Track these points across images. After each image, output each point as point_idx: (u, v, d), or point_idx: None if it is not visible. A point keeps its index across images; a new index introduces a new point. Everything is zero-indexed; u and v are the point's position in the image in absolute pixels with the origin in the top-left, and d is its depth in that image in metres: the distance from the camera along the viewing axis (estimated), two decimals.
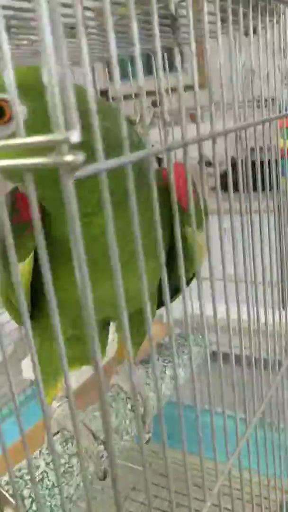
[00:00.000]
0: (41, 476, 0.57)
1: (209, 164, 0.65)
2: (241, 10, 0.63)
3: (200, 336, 0.93)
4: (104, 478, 0.63)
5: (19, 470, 0.57)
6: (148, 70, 0.77)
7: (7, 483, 0.55)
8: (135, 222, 0.47)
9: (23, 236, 0.55)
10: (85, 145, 0.31)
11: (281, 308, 0.90)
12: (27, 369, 1.40)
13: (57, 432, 0.65)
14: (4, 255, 0.56)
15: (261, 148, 0.69)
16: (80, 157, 0.31)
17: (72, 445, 0.62)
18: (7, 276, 0.61)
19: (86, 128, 0.31)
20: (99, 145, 0.34)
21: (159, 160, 1.38)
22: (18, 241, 0.56)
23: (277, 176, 0.79)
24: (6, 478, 0.57)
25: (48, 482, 0.56)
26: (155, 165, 0.88)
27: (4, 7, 0.55)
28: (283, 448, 0.87)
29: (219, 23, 0.54)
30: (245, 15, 0.82)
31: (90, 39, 0.77)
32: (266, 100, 0.72)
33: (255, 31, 0.74)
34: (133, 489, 1.36)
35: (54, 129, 0.31)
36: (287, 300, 0.96)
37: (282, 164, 0.83)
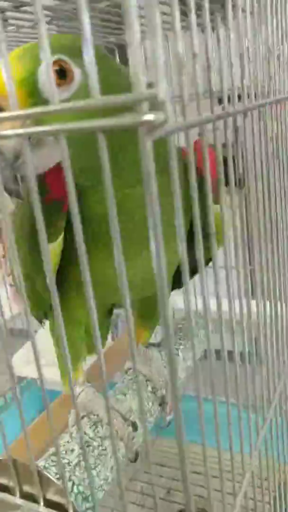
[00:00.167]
0: (77, 460, 0.56)
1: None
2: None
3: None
4: (135, 459, 0.62)
5: (54, 454, 0.56)
6: None
7: (45, 467, 0.54)
8: (176, 192, 0.46)
9: (54, 216, 0.54)
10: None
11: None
12: (19, 364, 1.37)
13: (83, 417, 0.65)
14: (33, 236, 0.55)
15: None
16: (161, 116, 0.31)
17: (102, 428, 0.61)
18: (33, 258, 0.59)
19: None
20: (168, 106, 0.34)
21: None
22: (49, 221, 0.55)
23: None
24: (42, 462, 0.55)
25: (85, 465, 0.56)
26: None
27: None
28: None
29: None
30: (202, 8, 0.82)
31: None
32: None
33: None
34: (131, 480, 1.36)
35: (135, 88, 0.30)
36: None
37: None
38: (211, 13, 0.45)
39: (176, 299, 0.98)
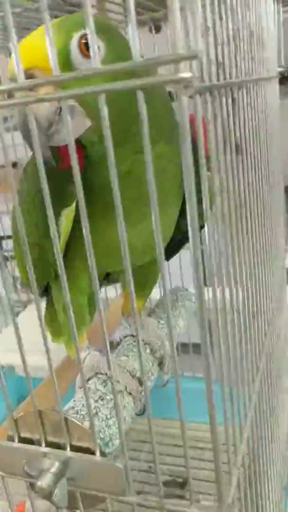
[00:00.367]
0: (95, 411, 0.60)
1: None
2: None
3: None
4: (143, 412, 0.67)
5: (73, 407, 0.60)
6: None
7: None
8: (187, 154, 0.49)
9: (66, 183, 0.58)
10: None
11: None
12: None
13: (90, 378, 0.68)
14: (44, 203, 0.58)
15: None
16: (196, 73, 0.36)
17: (112, 384, 0.65)
18: (44, 225, 0.62)
19: None
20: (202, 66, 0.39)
21: None
22: (62, 188, 0.58)
23: None
24: None
25: (102, 415, 0.60)
26: None
27: None
28: None
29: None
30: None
31: None
32: None
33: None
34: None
35: (175, 48, 0.35)
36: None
37: None
38: None
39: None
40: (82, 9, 0.38)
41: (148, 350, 0.76)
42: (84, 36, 0.50)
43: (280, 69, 1.01)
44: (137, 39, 0.36)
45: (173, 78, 0.35)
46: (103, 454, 0.52)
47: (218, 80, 0.46)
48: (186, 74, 0.35)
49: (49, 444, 0.55)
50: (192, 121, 0.67)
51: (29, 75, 0.48)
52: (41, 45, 0.46)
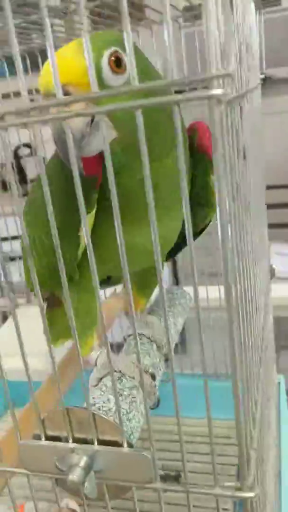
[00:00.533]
0: (115, 407, 0.63)
1: None
2: None
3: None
4: (158, 405, 0.70)
5: (94, 404, 0.63)
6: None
7: None
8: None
9: (87, 190, 0.60)
10: None
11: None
12: None
13: (100, 380, 0.71)
14: (65, 208, 0.60)
15: None
16: (228, 89, 0.39)
17: (127, 380, 0.68)
18: (63, 229, 0.64)
19: None
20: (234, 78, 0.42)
21: None
22: (85, 194, 0.61)
23: None
24: None
25: (123, 410, 0.63)
26: None
27: None
28: None
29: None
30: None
31: None
32: None
33: None
34: None
35: (209, 67, 0.38)
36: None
37: None
38: None
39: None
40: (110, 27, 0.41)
41: (154, 347, 0.80)
42: (113, 53, 0.52)
43: (261, 76, 1.06)
44: (173, 59, 0.39)
45: (208, 94, 0.38)
46: (130, 445, 0.55)
47: (232, 92, 0.50)
48: (219, 91, 0.38)
49: (76, 440, 0.58)
50: (199, 129, 0.70)
51: (65, 92, 0.50)
52: (75, 61, 0.49)
